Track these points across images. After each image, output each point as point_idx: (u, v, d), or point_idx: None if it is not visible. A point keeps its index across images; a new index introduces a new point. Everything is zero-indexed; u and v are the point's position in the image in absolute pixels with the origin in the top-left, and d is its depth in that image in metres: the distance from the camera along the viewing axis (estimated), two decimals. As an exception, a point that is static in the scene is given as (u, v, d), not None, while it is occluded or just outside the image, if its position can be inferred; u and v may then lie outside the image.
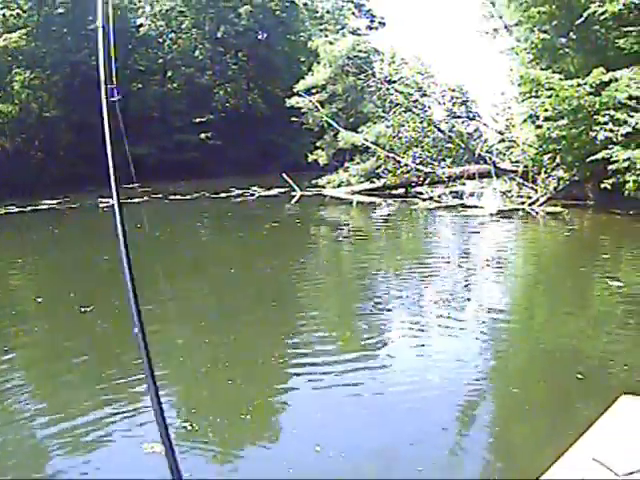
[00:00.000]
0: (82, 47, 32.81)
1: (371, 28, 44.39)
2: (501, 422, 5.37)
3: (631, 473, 2.42)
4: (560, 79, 16.32)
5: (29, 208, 22.06)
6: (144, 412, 5.49)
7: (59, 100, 33.09)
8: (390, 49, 34.40)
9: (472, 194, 21.96)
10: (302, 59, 40.84)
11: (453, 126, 23.60)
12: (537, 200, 18.61)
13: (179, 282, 10.95)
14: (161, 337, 7.45)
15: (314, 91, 26.76)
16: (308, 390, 5.94)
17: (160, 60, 40.69)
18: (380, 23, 44.46)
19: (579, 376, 5.90)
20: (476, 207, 19.86)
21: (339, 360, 6.58)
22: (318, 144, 27.82)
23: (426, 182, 22.52)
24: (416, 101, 23.89)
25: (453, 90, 24.95)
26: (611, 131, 15.03)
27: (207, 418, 5.27)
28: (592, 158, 15.44)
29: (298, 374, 6.37)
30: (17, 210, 21.84)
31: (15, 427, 5.39)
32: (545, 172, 18.86)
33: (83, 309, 8.62)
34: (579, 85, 15.81)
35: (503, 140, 22.97)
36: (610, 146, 14.98)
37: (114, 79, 2.28)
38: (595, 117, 15.59)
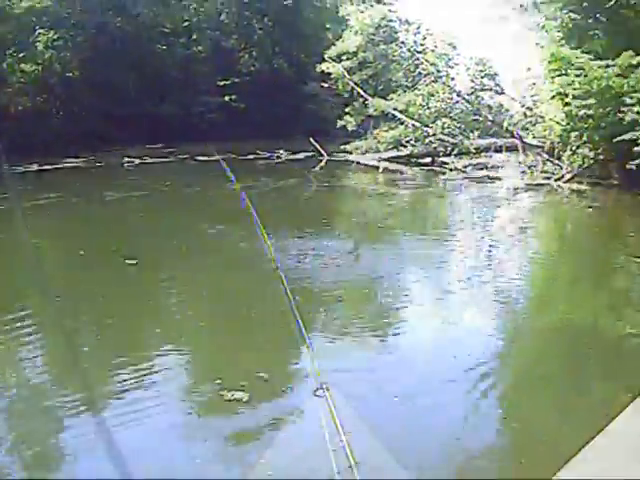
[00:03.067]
0: (107, 8, 33.15)
1: (397, -2, 44.40)
2: (517, 396, 5.73)
3: None
4: (590, 59, 16.69)
5: (52, 166, 22.01)
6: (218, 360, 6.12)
7: (82, 61, 32.99)
8: (416, 19, 34.36)
9: (498, 167, 22.44)
10: (328, 26, 40.90)
11: (482, 98, 23.86)
12: (562, 176, 19.10)
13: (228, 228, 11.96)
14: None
15: (344, 58, 27.02)
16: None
17: (186, 23, 40.59)
18: (407, -7, 44.65)
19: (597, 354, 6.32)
20: (501, 179, 20.38)
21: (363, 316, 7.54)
22: (347, 110, 28.05)
23: (453, 153, 23.06)
24: (444, 72, 24.24)
25: (479, 63, 25.15)
26: (638, 113, 15.47)
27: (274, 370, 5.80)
28: (618, 139, 15.83)
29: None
30: (39, 169, 21.63)
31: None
32: (571, 150, 19.23)
33: (128, 262, 9.23)
34: (607, 66, 16.22)
35: (526, 115, 23.28)
36: (637, 128, 15.40)
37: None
38: (623, 99, 16.05)
